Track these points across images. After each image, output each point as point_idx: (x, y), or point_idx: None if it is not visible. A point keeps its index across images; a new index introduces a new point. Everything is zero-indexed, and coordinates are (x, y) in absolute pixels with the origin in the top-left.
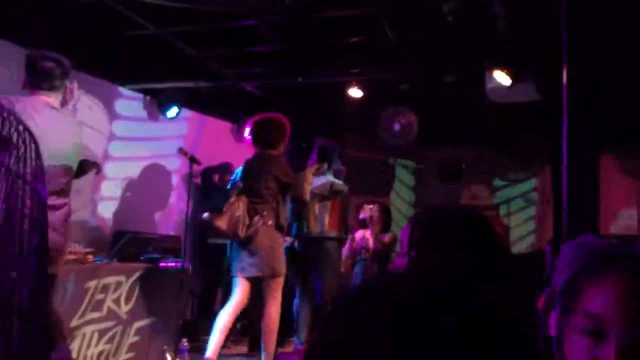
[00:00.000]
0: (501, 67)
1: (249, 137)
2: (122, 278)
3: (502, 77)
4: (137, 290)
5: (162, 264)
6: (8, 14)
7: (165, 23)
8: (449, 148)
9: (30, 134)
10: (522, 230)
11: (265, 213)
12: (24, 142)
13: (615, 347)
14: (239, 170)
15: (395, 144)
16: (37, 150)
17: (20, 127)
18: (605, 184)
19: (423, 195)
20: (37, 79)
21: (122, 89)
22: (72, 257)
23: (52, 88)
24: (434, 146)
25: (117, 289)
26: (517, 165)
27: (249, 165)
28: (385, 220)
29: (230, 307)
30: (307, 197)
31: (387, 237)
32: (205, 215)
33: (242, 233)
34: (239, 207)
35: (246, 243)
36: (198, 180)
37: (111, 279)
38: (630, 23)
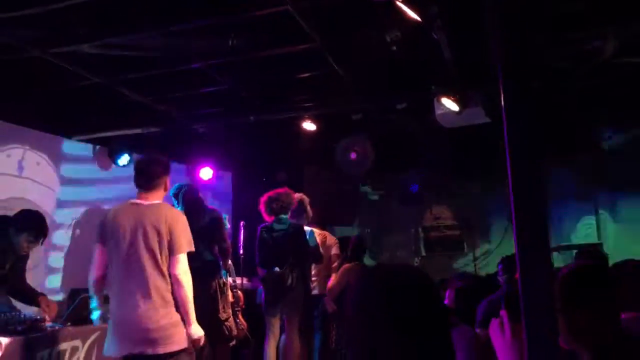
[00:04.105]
0: (448, 94)
1: (263, 209)
2: (78, 343)
3: (450, 104)
4: (94, 354)
5: None
6: None
7: (109, 71)
8: (408, 172)
9: None
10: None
11: (296, 268)
12: None
13: None
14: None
15: (353, 172)
16: None
17: None
18: (564, 196)
19: (387, 220)
20: None
21: (69, 141)
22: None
23: None
24: (394, 171)
25: (73, 354)
26: (478, 185)
27: (274, 231)
28: (354, 250)
29: (274, 341)
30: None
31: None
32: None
33: (293, 284)
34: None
35: (290, 291)
36: None
37: (66, 345)
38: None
